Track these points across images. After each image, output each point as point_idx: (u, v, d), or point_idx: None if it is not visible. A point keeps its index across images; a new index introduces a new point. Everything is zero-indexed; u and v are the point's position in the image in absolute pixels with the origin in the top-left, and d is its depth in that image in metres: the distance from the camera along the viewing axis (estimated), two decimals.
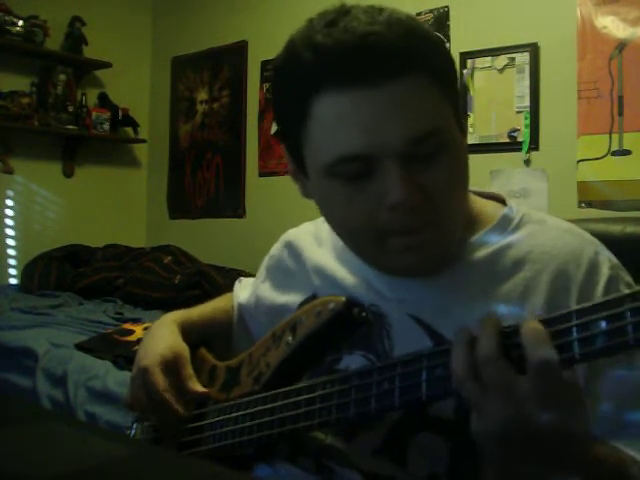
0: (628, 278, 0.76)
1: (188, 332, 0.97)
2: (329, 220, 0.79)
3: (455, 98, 0.74)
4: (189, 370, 0.89)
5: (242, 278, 1.11)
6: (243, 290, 1.06)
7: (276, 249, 1.00)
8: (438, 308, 0.76)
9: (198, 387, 0.88)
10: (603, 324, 0.51)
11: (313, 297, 0.87)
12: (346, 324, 0.76)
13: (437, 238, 0.72)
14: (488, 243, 0.78)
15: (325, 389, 0.71)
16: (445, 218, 0.71)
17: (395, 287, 0.80)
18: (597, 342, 0.51)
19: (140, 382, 0.89)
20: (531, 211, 0.82)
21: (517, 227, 0.79)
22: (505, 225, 0.79)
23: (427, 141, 0.68)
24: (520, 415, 0.55)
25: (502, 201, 0.84)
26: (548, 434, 0.55)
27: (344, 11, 0.69)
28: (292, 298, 0.90)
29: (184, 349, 0.92)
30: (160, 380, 0.87)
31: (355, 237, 0.76)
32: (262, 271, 1.01)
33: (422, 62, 0.68)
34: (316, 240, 0.93)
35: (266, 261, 1.01)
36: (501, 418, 0.56)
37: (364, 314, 0.75)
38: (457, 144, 0.72)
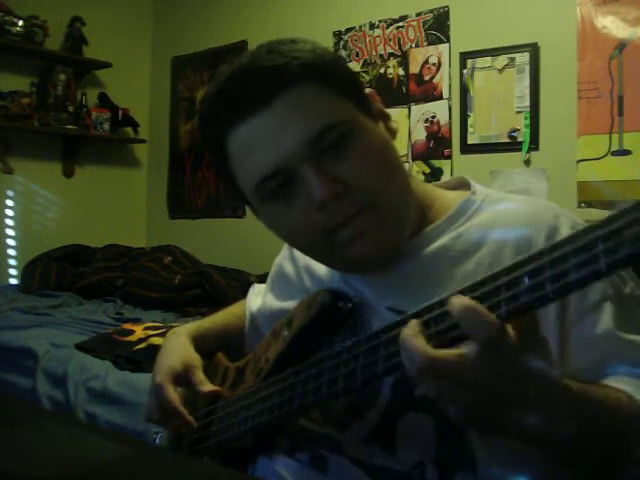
0: None
1: (201, 341, 1.00)
2: (284, 240, 0.83)
3: (358, 96, 0.78)
4: (200, 376, 0.93)
5: (255, 285, 1.12)
6: (256, 299, 1.07)
7: (278, 256, 1.03)
8: (410, 298, 0.76)
9: (207, 387, 0.91)
10: (526, 280, 0.50)
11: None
12: (334, 315, 0.81)
13: (379, 222, 0.74)
14: (449, 228, 0.80)
15: (305, 373, 0.75)
16: (379, 199, 0.74)
17: (367, 286, 0.83)
18: (520, 298, 0.50)
19: (155, 397, 0.93)
20: (493, 192, 0.84)
21: (478, 209, 0.81)
22: (466, 209, 0.82)
23: (326, 136, 0.72)
24: (482, 396, 0.54)
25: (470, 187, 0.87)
26: (516, 398, 0.55)
27: (236, 59, 0.76)
28: (291, 303, 0.92)
29: (195, 359, 0.95)
30: (172, 394, 0.90)
31: (309, 247, 0.80)
32: (268, 281, 1.04)
33: (301, 74, 0.73)
34: None
35: (271, 270, 1.04)
36: (467, 405, 0.55)
37: (349, 304, 0.80)
38: (367, 130, 0.76)
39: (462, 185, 0.88)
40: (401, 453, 0.76)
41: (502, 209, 0.80)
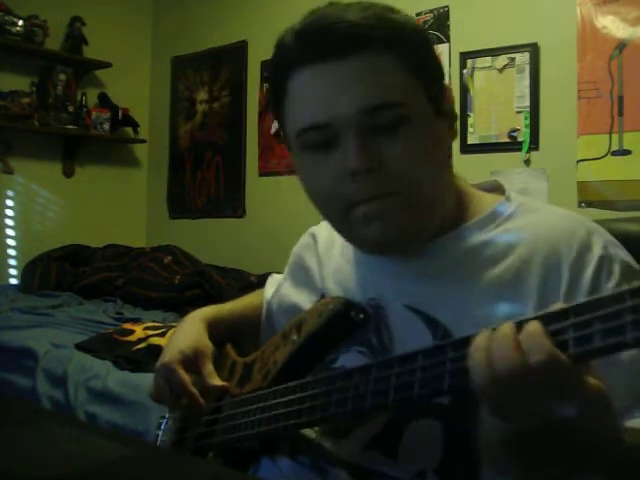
0: (624, 255, 0.75)
1: (216, 328, 0.99)
2: (307, 194, 0.82)
3: (431, 81, 0.77)
4: (209, 367, 0.92)
5: (273, 274, 1.11)
6: (271, 287, 1.07)
7: (298, 245, 1.02)
8: (432, 296, 0.77)
9: (216, 382, 0.91)
10: (598, 324, 0.48)
11: (322, 298, 0.88)
12: (345, 324, 0.79)
13: (401, 209, 0.73)
14: (481, 230, 0.79)
15: (315, 388, 0.72)
16: (408, 191, 0.73)
17: (389, 276, 0.82)
18: (594, 341, 0.48)
19: (162, 377, 0.91)
20: (529, 201, 0.84)
21: (512, 215, 0.80)
22: (499, 214, 0.81)
23: (383, 112, 0.71)
24: (532, 410, 0.52)
25: (504, 192, 0.86)
26: (565, 430, 0.53)
27: (329, 4, 0.76)
28: (305, 297, 0.92)
29: (206, 347, 0.94)
30: (184, 376, 0.89)
31: (327, 208, 0.79)
32: (286, 268, 1.03)
33: (386, 42, 0.72)
34: (331, 239, 0.95)
35: (290, 258, 1.03)
36: (517, 413, 0.53)
37: (361, 315, 0.78)
38: (424, 122, 0.75)
39: (496, 188, 0.88)
40: (403, 461, 0.74)
41: (536, 220, 0.79)
